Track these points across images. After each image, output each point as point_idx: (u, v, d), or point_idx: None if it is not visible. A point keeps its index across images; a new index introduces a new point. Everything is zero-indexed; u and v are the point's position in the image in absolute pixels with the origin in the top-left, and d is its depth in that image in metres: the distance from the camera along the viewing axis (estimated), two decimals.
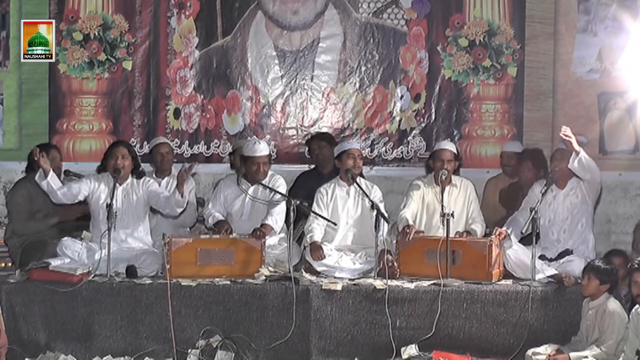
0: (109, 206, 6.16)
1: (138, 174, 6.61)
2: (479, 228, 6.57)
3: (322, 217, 6.56)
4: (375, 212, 6.23)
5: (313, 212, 6.59)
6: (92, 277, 6.09)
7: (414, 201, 6.67)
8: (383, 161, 8.37)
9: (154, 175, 7.25)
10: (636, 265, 5.51)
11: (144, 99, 8.34)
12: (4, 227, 7.30)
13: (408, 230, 6.28)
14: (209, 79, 8.39)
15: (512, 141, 8.03)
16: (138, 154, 8.10)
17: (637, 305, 5.46)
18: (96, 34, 8.28)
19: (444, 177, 6.55)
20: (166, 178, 7.26)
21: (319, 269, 6.36)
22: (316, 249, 6.41)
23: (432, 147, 7.38)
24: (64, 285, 5.98)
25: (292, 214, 6.18)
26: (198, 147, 8.37)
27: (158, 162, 7.33)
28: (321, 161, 7.54)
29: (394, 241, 6.40)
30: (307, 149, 7.94)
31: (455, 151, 6.73)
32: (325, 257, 6.37)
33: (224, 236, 6.40)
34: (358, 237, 6.69)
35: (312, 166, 7.90)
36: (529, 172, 7.08)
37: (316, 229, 6.58)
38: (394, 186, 7.99)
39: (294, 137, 8.39)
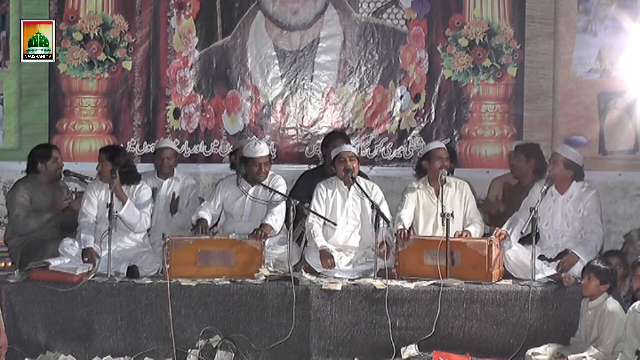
0: (109, 206, 6.17)
1: (131, 178, 6.61)
2: (477, 229, 6.57)
3: (322, 217, 6.55)
4: (375, 212, 6.23)
5: (312, 211, 6.59)
6: (92, 277, 6.10)
7: (410, 203, 6.67)
8: (383, 161, 8.37)
9: (155, 176, 7.23)
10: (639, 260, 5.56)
11: (144, 99, 8.33)
12: (4, 227, 7.30)
13: (402, 235, 6.29)
14: (208, 79, 8.38)
15: (517, 141, 8.02)
16: (138, 153, 8.15)
17: (635, 303, 5.48)
18: (96, 34, 8.27)
19: (444, 176, 6.54)
20: (168, 179, 7.22)
21: (319, 269, 6.37)
22: (326, 257, 6.39)
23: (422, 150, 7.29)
24: (64, 285, 5.99)
25: (292, 214, 6.18)
26: (198, 147, 8.36)
27: (159, 165, 7.29)
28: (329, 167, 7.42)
29: (394, 241, 6.41)
30: (324, 148, 7.58)
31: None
32: (335, 265, 6.36)
33: (224, 237, 6.40)
34: (358, 238, 6.68)
35: (313, 166, 7.90)
36: (520, 163, 7.14)
37: (318, 230, 6.56)
38: (394, 186, 7.98)
39: (294, 137, 8.38)
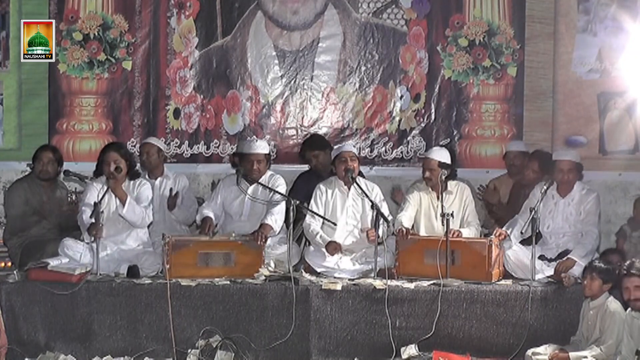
0: (95, 205, 6.14)
1: (132, 175, 6.61)
2: (473, 232, 6.57)
3: (322, 217, 6.55)
4: (375, 212, 6.23)
5: (312, 211, 6.58)
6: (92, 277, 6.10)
7: (412, 205, 6.67)
8: (383, 161, 8.37)
9: (147, 177, 7.18)
10: (625, 271, 5.51)
11: (144, 99, 8.34)
12: (4, 227, 7.30)
13: (402, 233, 6.30)
14: (208, 79, 8.38)
15: (514, 140, 8.02)
16: (138, 153, 8.12)
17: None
18: (96, 34, 8.27)
19: (443, 176, 6.55)
20: (159, 178, 7.21)
21: (318, 269, 6.37)
22: (332, 245, 6.43)
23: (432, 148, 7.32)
24: (64, 285, 5.99)
25: (292, 214, 6.18)
26: (198, 147, 8.36)
27: (141, 161, 7.28)
28: (320, 170, 7.41)
29: (389, 235, 6.42)
30: (301, 157, 7.69)
31: (441, 159, 6.62)
32: (341, 249, 6.40)
33: (223, 238, 6.40)
34: (358, 237, 6.68)
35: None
36: (533, 174, 7.00)
37: (317, 228, 6.56)
38: (394, 186, 7.98)
39: (294, 137, 8.38)
